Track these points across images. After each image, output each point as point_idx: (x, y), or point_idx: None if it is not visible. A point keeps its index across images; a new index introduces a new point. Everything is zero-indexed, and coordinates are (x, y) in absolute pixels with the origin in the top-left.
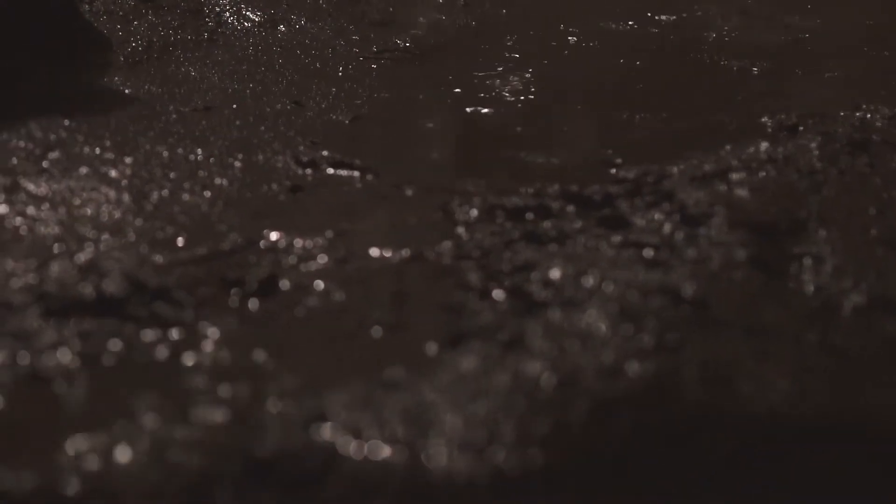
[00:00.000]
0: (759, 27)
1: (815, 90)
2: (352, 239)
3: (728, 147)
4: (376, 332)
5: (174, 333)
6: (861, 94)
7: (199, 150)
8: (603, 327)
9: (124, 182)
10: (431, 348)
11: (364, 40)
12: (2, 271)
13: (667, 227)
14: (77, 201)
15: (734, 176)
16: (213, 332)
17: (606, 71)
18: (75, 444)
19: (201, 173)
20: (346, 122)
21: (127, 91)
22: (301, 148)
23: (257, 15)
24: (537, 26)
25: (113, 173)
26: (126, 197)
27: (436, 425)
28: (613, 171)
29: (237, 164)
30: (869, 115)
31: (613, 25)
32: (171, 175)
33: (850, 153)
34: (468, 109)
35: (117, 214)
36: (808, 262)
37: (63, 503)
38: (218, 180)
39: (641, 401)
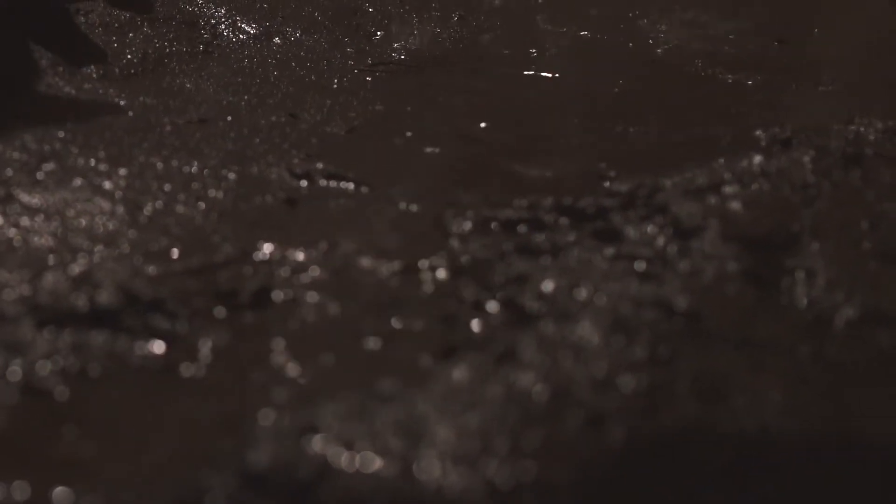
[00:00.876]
0: (753, 40)
1: (808, 103)
2: (345, 251)
3: (721, 160)
4: (369, 343)
5: (168, 345)
6: (855, 107)
7: (194, 162)
8: (596, 339)
9: (118, 194)
10: (424, 360)
11: (359, 53)
12: None
13: (660, 240)
14: (71, 213)
15: (727, 189)
16: (206, 344)
17: (601, 84)
18: (68, 456)
19: (195, 185)
20: (341, 134)
21: (121, 103)
22: (295, 160)
23: (253, 27)
24: (532, 40)
25: (107, 185)
26: (120, 209)
27: (428, 437)
28: (607, 183)
29: (231, 176)
30: (863, 129)
31: (607, 38)
32: (166, 187)
33: (843, 167)
34: (462, 122)
35: (111, 226)
36: (801, 275)
37: None
38: (212, 192)
39: (634, 413)
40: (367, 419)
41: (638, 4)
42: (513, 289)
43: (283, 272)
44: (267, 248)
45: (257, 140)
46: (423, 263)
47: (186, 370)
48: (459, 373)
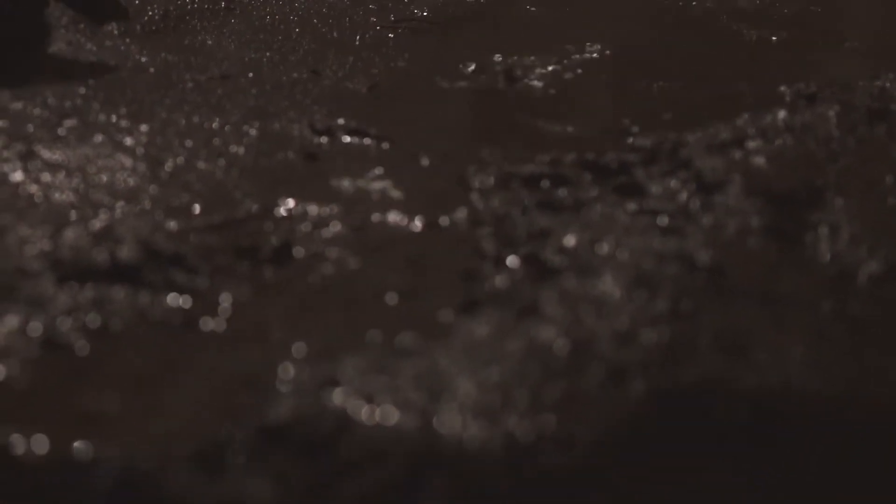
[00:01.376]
0: None
1: (834, 59)
2: (367, 206)
3: (746, 116)
4: (390, 298)
5: (189, 300)
6: (880, 63)
7: (216, 119)
8: (618, 294)
9: (140, 150)
10: (445, 315)
11: (382, 10)
12: (17, 238)
13: (683, 195)
14: (92, 169)
15: (751, 144)
16: (227, 299)
17: (625, 39)
18: (88, 411)
19: (217, 141)
20: (363, 90)
21: (143, 59)
22: (317, 116)
23: None
24: None
25: (128, 141)
26: (141, 165)
27: (449, 391)
28: (630, 139)
29: (253, 132)
30: (888, 85)
31: None
32: (187, 143)
33: (868, 122)
34: (485, 78)
35: (132, 182)
36: (824, 230)
37: (75, 469)
38: (233, 148)
39: (655, 367)
40: (387, 373)
41: None
42: (535, 244)
43: (305, 228)
44: (288, 203)
45: (279, 96)
46: (445, 219)
47: (207, 325)
48: (480, 327)
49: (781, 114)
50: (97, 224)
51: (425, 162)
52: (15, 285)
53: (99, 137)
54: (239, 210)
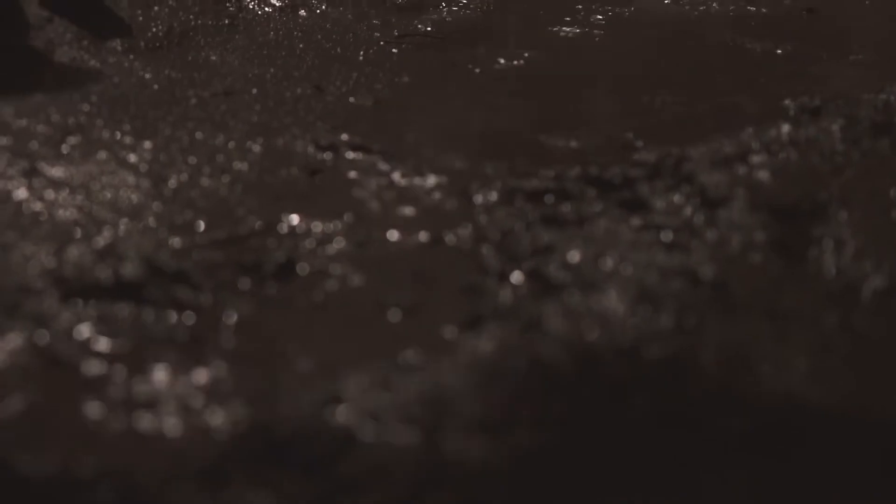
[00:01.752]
0: (782, 9)
1: (838, 73)
2: (370, 223)
3: (750, 130)
4: (394, 315)
5: (192, 317)
6: (884, 76)
7: (219, 135)
8: (622, 309)
9: (143, 167)
10: (449, 331)
11: (385, 25)
12: (21, 255)
13: (687, 210)
14: (96, 186)
15: (755, 158)
16: (230, 316)
17: (628, 54)
18: (92, 430)
19: (220, 158)
20: (367, 106)
21: (147, 76)
22: (321, 132)
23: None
24: (560, 10)
25: (132, 158)
26: (145, 181)
27: (452, 407)
28: (634, 154)
29: (257, 148)
30: (892, 98)
31: (637, 8)
32: (191, 160)
33: (872, 136)
34: (489, 94)
35: (136, 199)
36: (828, 244)
37: (79, 487)
38: (237, 164)
39: (659, 382)
40: (391, 389)
41: None
42: (538, 259)
43: (308, 244)
44: (292, 220)
45: (283, 112)
46: (449, 234)
47: (210, 341)
48: (484, 343)
49: (785, 127)
50: (101, 241)
51: (429, 177)
52: (19, 302)
53: (102, 154)
54: (242, 227)
